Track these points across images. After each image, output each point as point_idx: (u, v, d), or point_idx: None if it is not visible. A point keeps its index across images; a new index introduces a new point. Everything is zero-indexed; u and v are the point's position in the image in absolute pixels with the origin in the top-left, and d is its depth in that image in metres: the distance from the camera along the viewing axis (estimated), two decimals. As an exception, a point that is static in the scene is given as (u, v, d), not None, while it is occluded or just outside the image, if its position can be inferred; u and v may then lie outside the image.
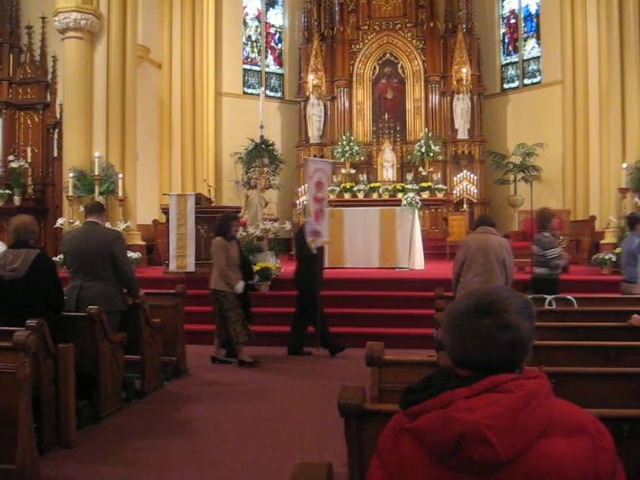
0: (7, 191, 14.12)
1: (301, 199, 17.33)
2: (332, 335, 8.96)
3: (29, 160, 14.65)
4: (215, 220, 9.20)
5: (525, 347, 1.63)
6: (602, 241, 13.19)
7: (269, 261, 11.33)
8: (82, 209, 10.03)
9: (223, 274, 8.33)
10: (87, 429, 5.62)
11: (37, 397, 4.91)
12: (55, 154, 14.85)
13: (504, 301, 1.64)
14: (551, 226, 8.03)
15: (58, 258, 10.37)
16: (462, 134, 18.49)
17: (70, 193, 12.61)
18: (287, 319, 10.02)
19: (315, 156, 18.89)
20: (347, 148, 18.32)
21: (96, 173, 12.51)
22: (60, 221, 12.67)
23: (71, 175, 12.58)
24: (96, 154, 12.65)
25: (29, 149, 14.75)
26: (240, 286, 8.38)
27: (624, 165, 12.77)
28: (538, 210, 8.62)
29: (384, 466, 1.63)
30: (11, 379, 4.51)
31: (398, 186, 17.88)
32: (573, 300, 6.69)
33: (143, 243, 14.04)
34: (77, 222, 11.91)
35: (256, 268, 10.90)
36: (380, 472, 1.64)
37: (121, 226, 12.31)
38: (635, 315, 5.38)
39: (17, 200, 14.15)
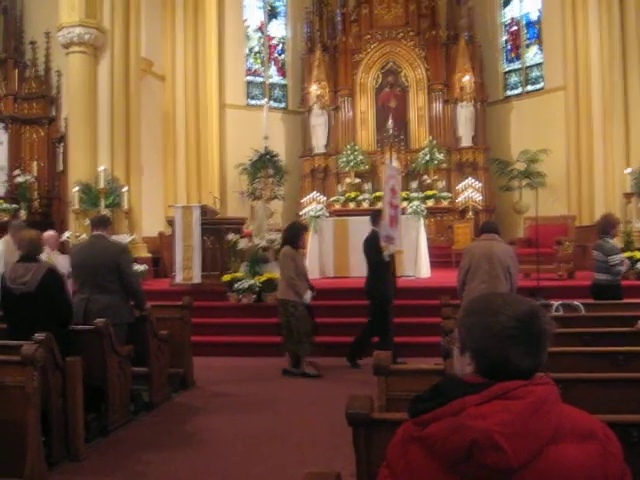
0: (14, 205, 14.19)
1: (306, 209, 17.33)
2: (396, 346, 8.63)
3: (35, 174, 14.74)
4: (285, 229, 9.07)
5: None
6: (608, 246, 13.14)
7: (275, 272, 11.32)
8: (88, 222, 10.05)
9: (292, 283, 8.27)
10: (96, 442, 5.62)
11: (45, 410, 4.93)
12: (60, 168, 14.92)
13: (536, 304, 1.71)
14: (614, 232, 8.04)
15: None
16: (466, 142, 18.50)
17: (76, 207, 12.66)
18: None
19: (319, 167, 18.95)
20: (351, 157, 18.34)
21: (101, 186, 12.56)
22: (66, 234, 12.71)
23: (77, 189, 12.63)
24: (101, 167, 12.70)
25: (35, 163, 14.85)
26: (309, 296, 8.34)
27: (628, 170, 12.76)
28: (602, 216, 8.62)
29: (393, 475, 1.63)
30: (20, 393, 4.53)
31: (403, 194, 17.86)
32: (580, 306, 6.67)
33: (149, 255, 14.07)
34: (83, 235, 11.95)
35: (262, 279, 10.93)
36: None
37: (127, 239, 12.33)
38: (642, 320, 5.38)
39: (23, 214, 14.22)
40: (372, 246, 8.80)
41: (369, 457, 2.88)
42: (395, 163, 18.46)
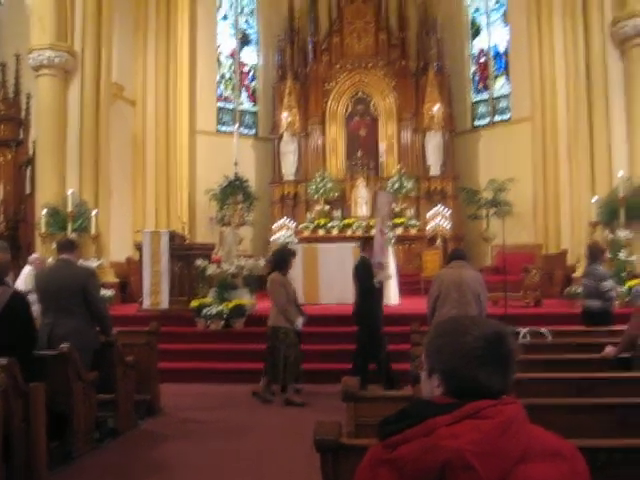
0: (-22, 229, 13.99)
1: (275, 235, 17.32)
2: (393, 371, 8.53)
3: (1, 197, 14.54)
4: (272, 254, 8.92)
5: None
6: (574, 274, 13.32)
7: (244, 298, 11.30)
8: (55, 246, 9.95)
9: (283, 310, 8.19)
10: (59, 469, 5.50)
11: (7, 437, 4.81)
12: (28, 191, 14.74)
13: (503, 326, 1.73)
14: (603, 259, 8.15)
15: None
16: (435, 170, 18.68)
17: (43, 230, 12.51)
18: (263, 356, 9.99)
19: (289, 193, 18.97)
20: (321, 185, 18.40)
21: (69, 210, 12.43)
22: (34, 256, 12.52)
23: (44, 212, 12.50)
24: (69, 191, 12.59)
25: (1, 186, 14.64)
26: (300, 322, 8.27)
27: (594, 199, 12.97)
28: (590, 243, 8.79)
29: (363, 498, 1.62)
30: (-19, 419, 4.43)
31: (372, 222, 17.94)
32: (547, 333, 6.73)
33: (116, 280, 13.93)
34: (50, 259, 11.79)
35: (230, 305, 10.87)
36: None
37: (94, 263, 12.20)
38: (608, 347, 5.44)
39: (-12, 238, 14.02)
40: (362, 272, 8.73)
41: (337, 484, 2.86)
42: (364, 191, 18.60)
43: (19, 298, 5.51)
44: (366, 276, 8.66)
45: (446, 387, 1.65)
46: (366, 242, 9.11)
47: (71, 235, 12.02)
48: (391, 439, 1.58)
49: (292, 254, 8.77)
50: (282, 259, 8.54)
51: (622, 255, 11.95)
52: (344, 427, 3.44)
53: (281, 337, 8.17)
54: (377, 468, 1.60)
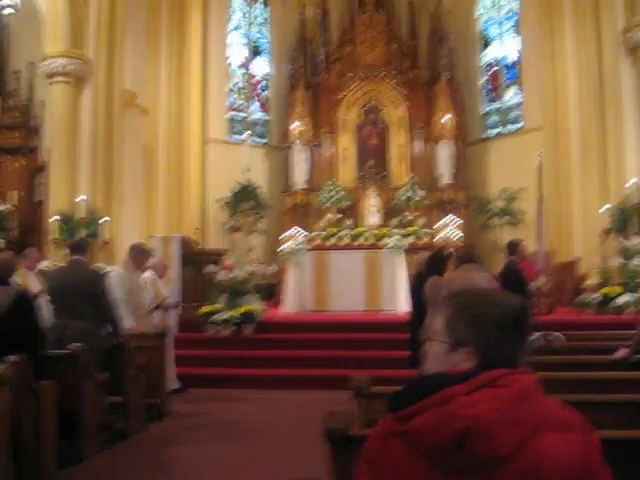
0: (-9, 235, 14.05)
1: (285, 245, 17.30)
2: None
3: (14, 204, 14.62)
4: (431, 257, 8.48)
5: None
6: (587, 282, 13.25)
7: (254, 304, 11.28)
8: (67, 251, 9.97)
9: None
10: (67, 470, 5.48)
11: (17, 435, 4.80)
12: (40, 198, 14.81)
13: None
14: None
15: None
16: (446, 180, 18.64)
17: (55, 236, 12.55)
18: (272, 362, 9.99)
19: (300, 202, 18.95)
20: (332, 194, 18.39)
21: (81, 216, 12.48)
22: (44, 264, 12.56)
23: (56, 218, 12.55)
24: (81, 198, 12.64)
25: (14, 193, 14.72)
26: None
27: (604, 208, 12.91)
28: None
29: (372, 470, 1.60)
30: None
31: (383, 231, 17.92)
32: (561, 336, 6.68)
33: (128, 286, 13.94)
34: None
35: (241, 311, 10.87)
36: (369, 476, 1.60)
37: (107, 269, 12.21)
38: (620, 349, 5.42)
39: (2, 243, 14.06)
40: (514, 278, 8.08)
41: (346, 476, 2.83)
42: (375, 200, 18.58)
43: (24, 298, 5.50)
44: (514, 282, 7.89)
45: (481, 359, 1.61)
46: (514, 245, 8.58)
47: (83, 240, 12.04)
48: (405, 410, 1.55)
49: (448, 257, 8.44)
50: (440, 263, 8.17)
51: (636, 262, 11.87)
52: (355, 423, 3.41)
53: None
54: (388, 440, 1.58)
